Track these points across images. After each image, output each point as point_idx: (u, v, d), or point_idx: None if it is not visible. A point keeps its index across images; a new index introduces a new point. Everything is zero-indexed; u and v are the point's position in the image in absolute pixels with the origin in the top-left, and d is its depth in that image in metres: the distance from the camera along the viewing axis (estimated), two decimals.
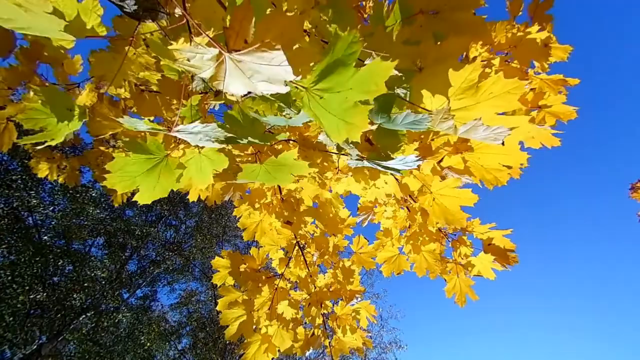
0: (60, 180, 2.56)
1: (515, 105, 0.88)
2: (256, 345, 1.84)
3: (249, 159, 2.03)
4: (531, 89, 1.83)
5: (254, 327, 1.87)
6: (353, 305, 2.08)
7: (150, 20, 1.22)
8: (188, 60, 0.69)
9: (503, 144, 1.35)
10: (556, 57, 1.47)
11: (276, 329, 1.87)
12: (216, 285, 1.98)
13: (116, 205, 2.76)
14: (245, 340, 1.86)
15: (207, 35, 0.70)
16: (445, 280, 2.00)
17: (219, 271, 1.99)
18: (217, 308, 1.87)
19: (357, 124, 0.79)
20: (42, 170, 2.49)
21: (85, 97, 1.93)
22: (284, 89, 0.76)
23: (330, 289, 2.12)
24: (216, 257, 1.99)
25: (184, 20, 0.88)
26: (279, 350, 1.86)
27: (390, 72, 0.73)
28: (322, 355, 11.35)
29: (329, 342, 1.99)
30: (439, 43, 0.95)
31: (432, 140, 1.52)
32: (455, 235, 1.97)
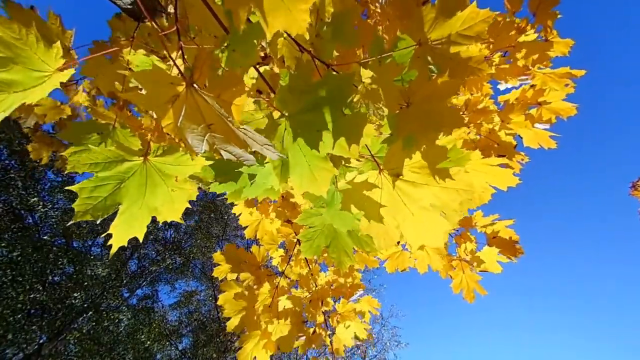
0: (57, 165, 2.65)
1: (452, 208, 0.83)
2: (255, 340, 1.83)
3: None
4: (531, 86, 1.81)
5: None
6: (354, 301, 2.06)
7: (149, 20, 1.20)
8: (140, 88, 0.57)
9: None
10: (557, 52, 1.46)
11: (276, 325, 1.86)
12: (217, 284, 1.96)
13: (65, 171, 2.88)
14: (245, 333, 1.84)
15: (197, 44, 0.65)
16: (451, 277, 1.98)
17: (220, 265, 1.98)
18: (219, 302, 1.86)
19: (320, 184, 0.76)
20: (38, 154, 2.57)
21: (83, 95, 1.92)
22: (247, 156, 0.66)
23: (332, 287, 2.11)
24: (218, 251, 1.99)
25: (174, 28, 0.77)
26: (278, 348, 1.84)
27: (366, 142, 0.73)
28: (323, 354, 11.34)
29: (330, 341, 1.98)
30: (432, 77, 0.93)
31: None
32: (458, 231, 1.96)
